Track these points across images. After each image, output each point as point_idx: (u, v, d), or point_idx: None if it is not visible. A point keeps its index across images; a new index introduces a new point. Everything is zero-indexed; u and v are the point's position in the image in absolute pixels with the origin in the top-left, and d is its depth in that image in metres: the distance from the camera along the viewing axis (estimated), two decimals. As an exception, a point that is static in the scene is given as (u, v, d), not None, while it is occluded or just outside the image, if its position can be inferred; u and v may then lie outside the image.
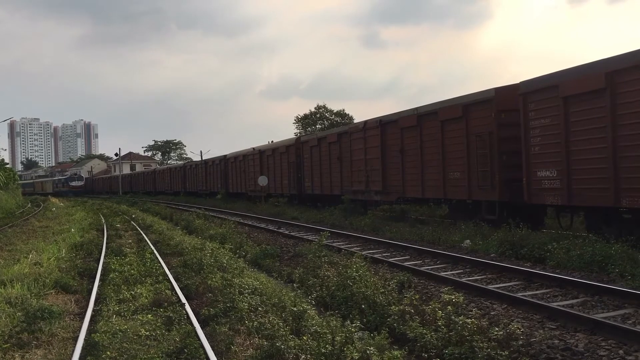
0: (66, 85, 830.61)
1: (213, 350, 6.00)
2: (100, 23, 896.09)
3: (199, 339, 6.35)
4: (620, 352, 5.75)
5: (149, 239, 17.01)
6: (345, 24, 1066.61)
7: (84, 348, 6.35)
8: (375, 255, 12.25)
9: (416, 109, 18.13)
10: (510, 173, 14.12)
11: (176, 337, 6.60)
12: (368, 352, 5.41)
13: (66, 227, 22.37)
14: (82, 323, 7.39)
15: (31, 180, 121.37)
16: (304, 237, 16.58)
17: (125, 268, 11.30)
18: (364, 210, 21.74)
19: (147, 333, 6.75)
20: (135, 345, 6.28)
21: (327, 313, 7.03)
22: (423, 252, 12.54)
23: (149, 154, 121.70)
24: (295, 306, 7.01)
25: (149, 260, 12.36)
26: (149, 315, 7.61)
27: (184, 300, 8.40)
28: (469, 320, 5.90)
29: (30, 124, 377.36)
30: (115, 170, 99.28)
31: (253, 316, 7.05)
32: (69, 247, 14.95)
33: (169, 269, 11.26)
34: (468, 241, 13.21)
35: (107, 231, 20.26)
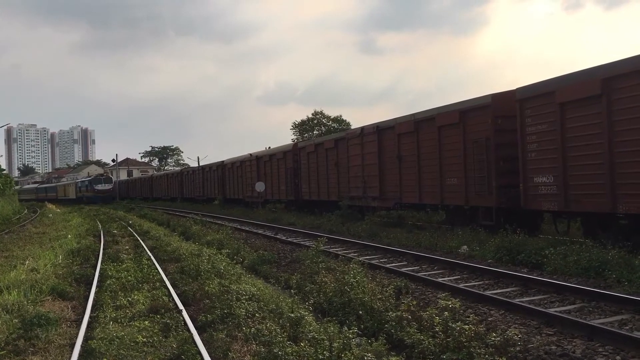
0: (63, 91, 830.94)
1: (210, 356, 6.00)
2: (98, 29, 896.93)
3: (196, 346, 6.34)
4: (618, 358, 5.76)
5: (146, 245, 16.97)
6: (342, 31, 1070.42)
7: (80, 355, 6.34)
8: (373, 261, 12.25)
9: (413, 114, 18.19)
10: (507, 179, 14.17)
11: (173, 343, 6.58)
12: (365, 358, 5.41)
13: (63, 233, 22.32)
14: (78, 330, 7.36)
15: (54, 184, 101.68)
16: (302, 243, 16.57)
17: (122, 274, 11.26)
18: (361, 216, 21.75)
19: (144, 339, 6.73)
20: (132, 352, 6.26)
21: (325, 319, 7.01)
22: (420, 258, 12.54)
23: (146, 160, 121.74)
24: (292, 312, 7.00)
25: (146, 266, 12.33)
26: (146, 322, 7.59)
27: (181, 306, 8.38)
28: (466, 326, 5.90)
29: (27, 130, 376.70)
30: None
31: (250, 322, 7.03)
32: (65, 254, 14.90)
33: (166, 275, 11.24)
34: (465, 247, 13.22)
35: (104, 237, 20.21)
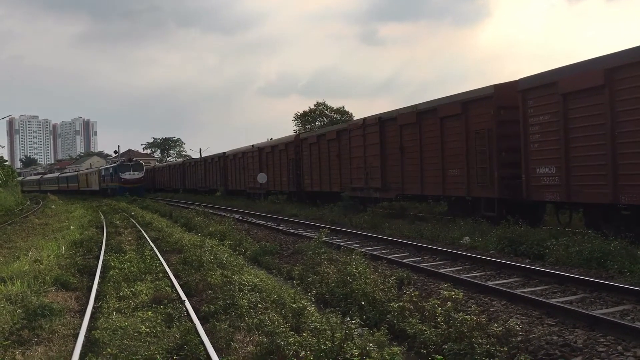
0: (65, 83, 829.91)
1: (213, 346, 6.02)
2: (99, 20, 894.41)
3: (199, 336, 6.37)
4: (619, 348, 5.77)
5: (149, 236, 17.01)
6: (344, 22, 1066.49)
7: (84, 345, 6.38)
8: (375, 252, 12.28)
9: (415, 106, 18.13)
10: (510, 170, 14.13)
11: (176, 333, 6.61)
12: (367, 348, 5.42)
13: (65, 224, 22.38)
14: (82, 320, 7.40)
15: (75, 173, 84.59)
16: (304, 234, 16.59)
17: (125, 265, 11.30)
18: (363, 207, 21.75)
19: (147, 330, 6.76)
20: (135, 342, 6.29)
21: (327, 310, 7.04)
22: (422, 249, 12.56)
23: (148, 151, 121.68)
24: (295, 303, 7.03)
25: (148, 257, 12.37)
26: (149, 312, 7.62)
27: (184, 297, 8.42)
28: (468, 317, 5.92)
29: (29, 122, 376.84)
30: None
31: (253, 313, 7.06)
32: (68, 245, 14.95)
33: (169, 266, 11.28)
34: (467, 238, 13.22)
35: (106, 228, 20.25)
